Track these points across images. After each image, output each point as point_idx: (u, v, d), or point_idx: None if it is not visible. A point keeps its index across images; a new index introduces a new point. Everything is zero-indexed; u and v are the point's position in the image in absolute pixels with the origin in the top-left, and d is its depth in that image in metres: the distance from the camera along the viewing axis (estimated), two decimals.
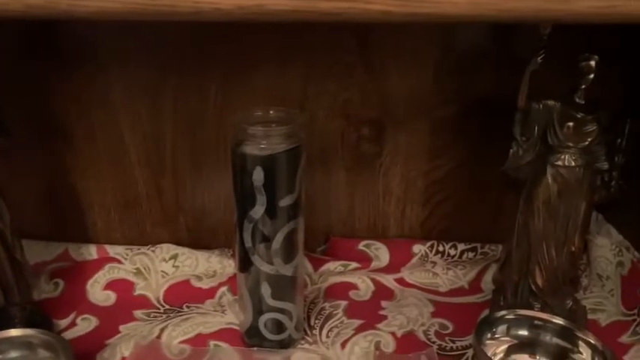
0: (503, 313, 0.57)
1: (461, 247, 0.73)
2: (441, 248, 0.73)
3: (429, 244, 0.72)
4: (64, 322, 0.64)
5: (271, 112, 0.55)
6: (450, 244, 0.72)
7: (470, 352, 0.60)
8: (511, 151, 0.56)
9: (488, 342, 0.56)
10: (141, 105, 0.66)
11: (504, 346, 0.57)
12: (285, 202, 0.54)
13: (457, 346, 0.61)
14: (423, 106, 0.67)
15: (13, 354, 0.53)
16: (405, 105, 0.67)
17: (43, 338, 0.53)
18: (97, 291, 0.68)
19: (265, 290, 0.57)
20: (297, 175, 0.54)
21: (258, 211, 0.53)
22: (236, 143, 0.53)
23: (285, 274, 0.57)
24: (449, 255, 0.73)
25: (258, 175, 0.52)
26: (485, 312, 0.65)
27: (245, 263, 0.57)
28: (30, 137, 0.67)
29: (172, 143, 0.69)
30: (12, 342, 0.53)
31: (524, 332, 0.57)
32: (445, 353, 0.60)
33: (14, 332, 0.53)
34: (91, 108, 0.66)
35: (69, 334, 0.62)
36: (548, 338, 0.56)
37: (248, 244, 0.55)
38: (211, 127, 0.67)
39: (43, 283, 0.68)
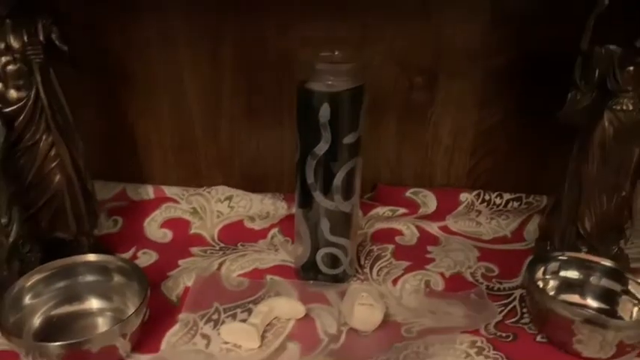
0: (555, 253, 0.59)
1: (506, 196, 0.74)
2: (487, 197, 0.74)
3: (475, 192, 0.74)
4: (126, 256, 0.67)
5: (336, 52, 0.56)
6: (496, 193, 0.74)
7: (517, 293, 0.62)
8: (569, 95, 0.57)
9: (538, 281, 0.58)
10: (201, 48, 0.68)
11: (554, 286, 0.59)
12: (348, 139, 0.55)
13: (504, 287, 0.63)
14: (476, 56, 0.68)
15: (90, 277, 0.56)
16: (459, 54, 0.68)
17: (118, 264, 0.56)
18: (154, 229, 0.71)
19: (324, 225, 0.59)
20: (361, 114, 0.56)
21: (322, 148, 0.55)
22: (302, 81, 0.55)
23: (344, 211, 0.59)
24: (494, 204, 0.74)
25: (324, 112, 0.54)
26: (530, 258, 0.67)
27: (306, 199, 0.59)
28: (89, 77, 0.68)
29: (230, 87, 0.70)
30: (89, 266, 0.56)
31: (574, 273, 0.59)
32: (493, 293, 0.62)
33: (92, 257, 0.56)
34: (152, 49, 0.68)
35: None
36: (598, 280, 0.58)
37: (310, 180, 0.57)
38: (269, 73, 0.69)
39: (103, 220, 0.71)
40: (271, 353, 0.54)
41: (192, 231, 0.71)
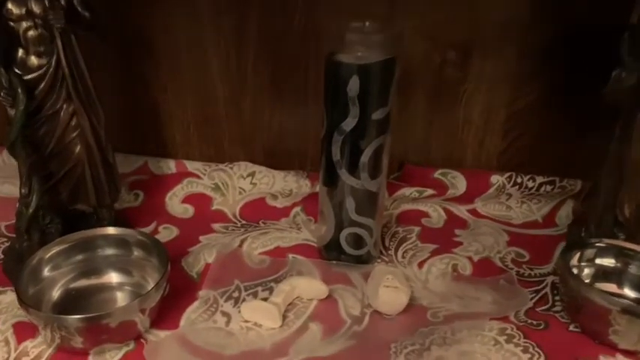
0: (592, 239, 0.56)
1: (539, 179, 0.71)
2: (518, 180, 0.71)
3: (507, 175, 0.71)
4: (146, 230, 0.65)
5: (367, 23, 0.54)
6: (528, 176, 0.71)
7: (549, 280, 0.59)
8: (613, 73, 0.54)
9: (573, 267, 0.55)
10: (226, 21, 0.66)
11: (589, 274, 0.57)
12: (377, 115, 0.53)
13: (535, 274, 0.60)
14: (512, 32, 0.65)
15: (109, 251, 0.55)
16: (494, 29, 0.65)
17: (138, 238, 0.55)
18: (176, 204, 0.70)
19: (350, 204, 0.57)
20: (391, 89, 0.53)
21: (350, 123, 0.53)
22: (331, 52, 0.52)
23: (370, 190, 0.57)
24: (526, 187, 0.71)
25: (353, 85, 0.51)
26: (562, 244, 0.64)
27: (331, 177, 0.57)
28: (111, 49, 0.67)
29: (254, 62, 0.68)
30: (109, 239, 0.55)
31: (611, 261, 0.56)
32: (523, 279, 0.60)
33: (112, 230, 0.55)
34: (177, 23, 0.66)
35: None
36: (637, 269, 0.55)
37: (336, 157, 0.55)
38: (294, 48, 0.67)
39: (124, 193, 0.70)
40: (292, 333, 0.52)
41: (214, 207, 0.70)
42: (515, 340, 0.51)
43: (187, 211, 0.69)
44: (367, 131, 0.54)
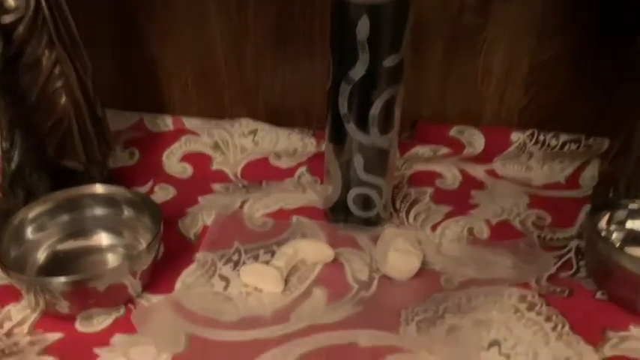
0: (623, 200, 0.51)
1: (563, 137, 0.66)
2: (541, 138, 0.66)
3: (528, 132, 0.66)
4: (142, 190, 0.62)
5: None
6: (552, 133, 0.66)
7: (573, 244, 0.55)
8: None
9: (601, 230, 0.51)
10: None
11: (619, 237, 0.52)
12: (389, 62, 0.48)
13: (558, 237, 0.56)
14: None
15: (98, 211, 0.52)
16: None
17: (128, 196, 0.51)
18: (174, 162, 0.66)
19: (358, 162, 0.53)
20: (405, 33, 0.48)
21: (359, 71, 0.48)
22: None
23: (380, 147, 0.52)
24: (549, 146, 0.66)
25: (363, 27, 0.46)
26: (586, 207, 0.60)
27: (337, 132, 0.52)
28: (106, 2, 0.63)
29: (256, 10, 0.63)
30: (97, 198, 0.51)
31: None
32: (545, 243, 0.55)
33: (100, 188, 0.51)
34: None
35: None
36: None
37: (343, 110, 0.51)
38: None
39: (119, 152, 0.66)
40: (295, 299, 0.48)
41: (214, 167, 0.66)
42: (537, 309, 0.47)
43: (185, 170, 0.65)
44: (378, 80, 0.49)
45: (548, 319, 0.46)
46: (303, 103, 0.69)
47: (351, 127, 0.51)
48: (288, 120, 0.69)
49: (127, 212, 0.51)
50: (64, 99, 0.51)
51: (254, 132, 0.67)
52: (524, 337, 0.45)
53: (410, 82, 0.65)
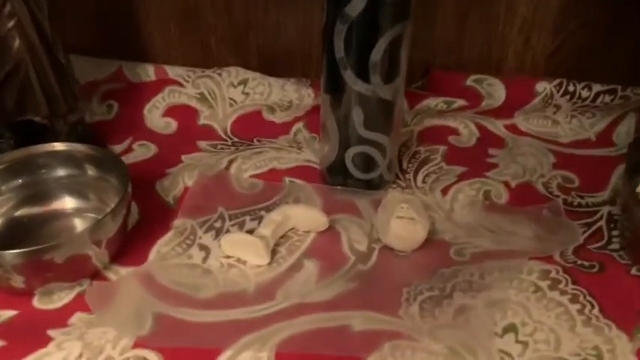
0: None
1: (596, 88, 0.58)
2: (570, 88, 0.58)
3: (556, 82, 0.58)
4: (119, 148, 0.56)
5: None
6: (584, 83, 0.58)
7: (604, 210, 0.48)
8: None
9: (639, 193, 0.43)
10: None
11: None
12: None
13: (587, 203, 0.49)
14: None
15: (59, 171, 0.46)
16: None
17: (90, 153, 0.45)
18: (156, 117, 0.59)
19: (357, 116, 0.46)
20: None
21: (357, 6, 0.41)
22: None
23: (383, 98, 0.45)
24: (579, 97, 0.58)
25: None
26: (621, 167, 0.52)
27: (333, 81, 0.45)
28: None
29: None
30: (55, 157, 0.45)
31: None
32: (572, 209, 0.48)
33: (59, 146, 0.45)
34: None
35: (125, 160, 0.54)
36: None
37: (339, 53, 0.43)
38: None
39: (96, 105, 0.59)
40: (283, 272, 0.43)
41: (201, 122, 0.59)
42: (560, 286, 0.41)
43: (169, 125, 0.59)
44: (380, 17, 0.41)
45: (574, 299, 0.40)
46: (299, 49, 0.61)
47: (348, 75, 0.44)
48: (284, 68, 0.62)
49: (91, 172, 0.45)
50: (17, 42, 0.44)
51: (244, 82, 0.60)
52: (545, 322, 0.38)
53: (420, 21, 0.58)
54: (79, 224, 0.46)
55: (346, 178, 0.50)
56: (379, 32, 0.42)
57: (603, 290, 0.40)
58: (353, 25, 0.42)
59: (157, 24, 0.61)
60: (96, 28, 0.61)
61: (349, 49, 0.43)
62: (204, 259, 0.44)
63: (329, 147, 0.49)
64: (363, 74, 0.44)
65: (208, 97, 0.59)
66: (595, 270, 0.42)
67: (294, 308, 0.39)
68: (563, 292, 0.40)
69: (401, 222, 0.43)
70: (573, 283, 0.41)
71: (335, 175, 0.50)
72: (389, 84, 0.45)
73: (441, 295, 0.40)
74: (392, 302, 0.39)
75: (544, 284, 0.41)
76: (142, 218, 0.47)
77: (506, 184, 0.51)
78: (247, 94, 0.60)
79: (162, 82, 0.60)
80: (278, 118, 0.59)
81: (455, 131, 0.58)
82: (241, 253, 0.44)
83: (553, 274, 0.42)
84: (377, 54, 0.42)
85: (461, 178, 0.52)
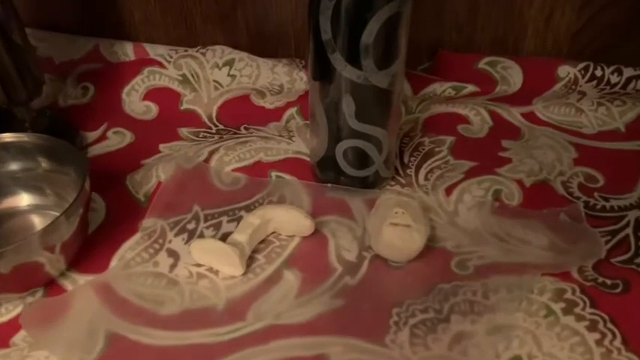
0: None
1: (628, 72, 0.51)
2: (598, 73, 0.52)
3: (581, 65, 0.52)
4: (92, 135, 0.51)
5: None
6: (613, 67, 0.51)
7: (632, 216, 0.42)
8: None
9: None
10: None
11: None
12: None
13: (612, 206, 0.43)
14: None
15: (14, 166, 0.41)
16: None
17: (41, 143, 0.40)
18: (135, 100, 0.54)
19: (347, 107, 0.40)
20: None
21: None
22: None
23: (378, 86, 0.39)
24: (608, 83, 0.52)
25: None
26: None
27: (321, 66, 0.39)
28: None
29: None
30: (7, 149, 0.40)
31: None
32: (594, 214, 0.42)
33: (7, 137, 0.40)
34: None
35: (97, 149, 0.49)
36: None
37: (326, 35, 0.37)
38: None
39: (70, 87, 0.54)
40: (258, 285, 0.38)
41: (184, 106, 0.54)
42: (577, 310, 0.35)
43: (150, 110, 0.54)
44: None
45: (592, 326, 0.34)
46: (293, 25, 0.55)
47: (336, 59, 0.38)
48: (276, 47, 0.56)
49: (45, 164, 0.40)
50: None
51: (230, 63, 0.54)
52: (556, 355, 0.33)
53: None
54: (37, 222, 0.41)
55: (338, 174, 0.44)
56: (371, 10, 0.35)
57: (627, 316, 0.35)
58: (341, 2, 0.36)
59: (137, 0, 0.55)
60: (71, 3, 0.56)
61: (337, 29, 0.37)
62: (172, 268, 0.39)
63: (318, 140, 0.44)
64: (354, 59, 0.37)
65: (191, 79, 0.54)
66: (618, 290, 0.36)
67: (266, 331, 0.34)
68: (579, 318, 0.35)
69: (395, 230, 0.38)
70: (592, 306, 0.35)
71: (326, 170, 0.45)
72: (384, 70, 0.39)
73: (436, 319, 0.35)
74: (379, 326, 0.34)
75: (557, 307, 0.35)
76: (108, 217, 0.43)
77: (520, 182, 0.45)
78: (233, 76, 0.54)
79: (142, 63, 0.55)
80: (269, 103, 0.53)
81: (465, 119, 0.52)
82: (213, 262, 0.39)
83: (569, 295, 0.36)
84: (369, 36, 0.36)
85: (468, 174, 0.46)
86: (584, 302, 0.36)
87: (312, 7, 0.37)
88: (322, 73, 0.40)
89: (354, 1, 0.35)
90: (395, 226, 0.38)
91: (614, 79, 0.52)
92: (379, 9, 0.36)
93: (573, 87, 0.52)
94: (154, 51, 0.55)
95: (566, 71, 0.52)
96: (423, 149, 0.49)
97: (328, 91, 0.40)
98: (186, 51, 0.54)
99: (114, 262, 0.39)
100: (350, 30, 0.37)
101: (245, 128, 0.52)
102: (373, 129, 0.41)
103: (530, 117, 0.52)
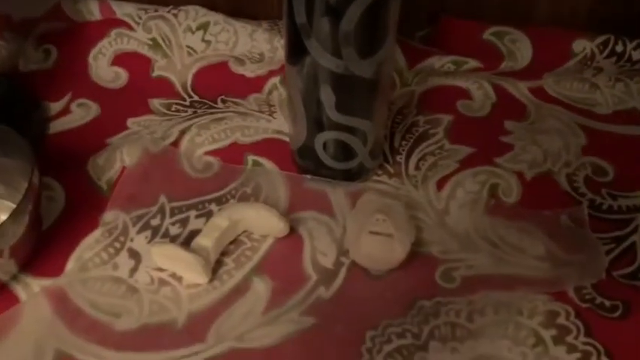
0: None
1: None
2: (618, 48, 0.46)
3: (600, 39, 0.46)
4: (54, 107, 0.46)
5: None
6: (636, 42, 0.45)
7: None
8: None
9: None
10: None
11: None
12: None
13: (619, 206, 0.39)
14: None
15: None
16: None
17: None
18: (103, 66, 0.49)
19: (327, 97, 0.35)
20: None
21: None
22: None
23: (361, 76, 0.34)
24: (628, 59, 0.46)
25: None
26: None
27: (296, 52, 0.34)
28: None
29: None
30: None
31: None
32: (600, 215, 0.38)
33: None
34: None
35: (58, 125, 0.45)
36: None
37: (301, 18, 0.32)
38: None
39: (30, 49, 0.49)
40: (224, 296, 0.35)
41: (156, 73, 0.49)
42: (569, 339, 0.32)
43: (119, 77, 0.49)
44: None
45: (583, 359, 0.31)
46: None
47: (313, 45, 0.33)
48: (255, 7, 0.50)
49: None
50: None
51: (204, 27, 0.48)
52: None
53: None
54: None
55: (318, 165, 0.40)
56: None
57: (624, 346, 0.32)
58: None
59: None
60: None
61: (312, 12, 0.31)
62: (132, 272, 0.36)
63: (296, 129, 0.39)
64: (332, 46, 0.32)
65: (162, 43, 0.48)
66: (617, 314, 0.33)
67: (225, 356, 0.32)
68: (571, 349, 0.31)
69: (374, 240, 0.34)
70: (586, 333, 0.32)
71: (306, 159, 0.40)
72: (368, 58, 0.33)
73: (413, 346, 0.32)
74: (349, 355, 0.31)
75: (548, 335, 0.32)
76: (68, 208, 0.39)
77: (520, 175, 0.41)
78: (208, 42, 0.48)
79: (109, 23, 0.49)
80: (250, 71, 0.48)
81: (466, 93, 0.47)
82: (176, 268, 0.36)
83: (562, 319, 0.33)
84: (349, 23, 0.31)
85: (464, 164, 0.42)
86: (578, 329, 0.32)
87: None
88: (298, 58, 0.34)
89: None
90: (375, 236, 0.34)
91: (635, 55, 0.46)
92: None
93: (589, 62, 0.46)
94: (122, 10, 0.49)
95: (582, 46, 0.46)
96: (417, 131, 0.44)
97: (305, 79, 0.35)
98: (156, 11, 0.48)
99: (71, 264, 0.36)
100: (327, 15, 0.31)
101: (222, 101, 0.47)
102: (357, 121, 0.36)
103: (539, 93, 0.47)
